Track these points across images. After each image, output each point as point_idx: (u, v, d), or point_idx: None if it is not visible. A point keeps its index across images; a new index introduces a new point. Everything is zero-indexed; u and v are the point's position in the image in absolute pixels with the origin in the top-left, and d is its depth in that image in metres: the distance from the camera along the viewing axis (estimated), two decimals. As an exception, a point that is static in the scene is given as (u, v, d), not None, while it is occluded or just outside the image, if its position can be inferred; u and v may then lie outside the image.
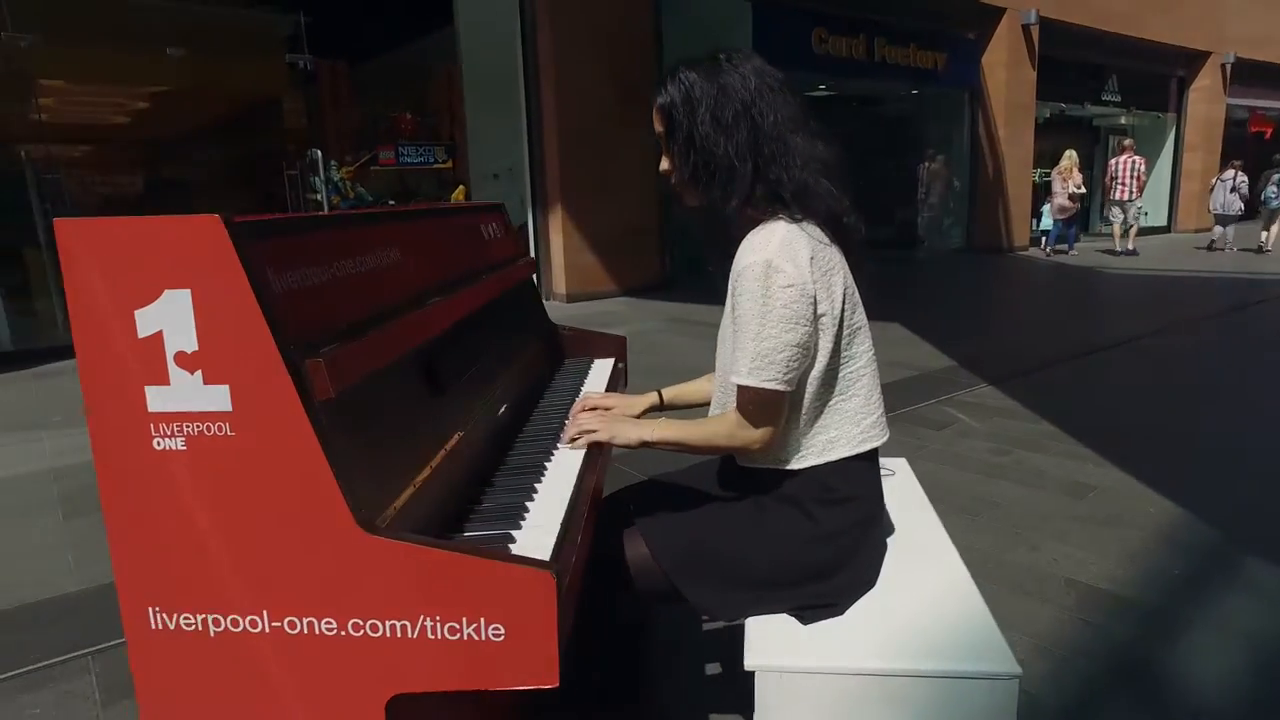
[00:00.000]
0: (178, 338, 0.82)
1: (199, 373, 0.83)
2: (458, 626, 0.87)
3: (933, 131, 13.11)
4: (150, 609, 0.90)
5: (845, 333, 1.32)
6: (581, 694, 1.52)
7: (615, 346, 2.23)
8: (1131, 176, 11.55)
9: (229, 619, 0.90)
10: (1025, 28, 12.08)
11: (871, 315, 1.39)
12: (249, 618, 0.89)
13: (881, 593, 1.40)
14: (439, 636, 0.88)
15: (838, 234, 1.33)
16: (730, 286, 1.30)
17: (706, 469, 1.59)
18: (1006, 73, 12.15)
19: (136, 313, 0.82)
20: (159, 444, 0.85)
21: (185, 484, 0.86)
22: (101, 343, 0.84)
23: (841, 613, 1.34)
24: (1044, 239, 12.60)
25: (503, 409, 1.50)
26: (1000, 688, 1.17)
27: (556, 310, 7.97)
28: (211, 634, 0.90)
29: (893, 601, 1.37)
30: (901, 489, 1.86)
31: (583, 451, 1.39)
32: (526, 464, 1.34)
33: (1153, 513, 2.90)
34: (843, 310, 1.30)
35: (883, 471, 1.96)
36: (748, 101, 1.26)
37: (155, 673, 0.93)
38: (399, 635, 0.88)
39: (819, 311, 1.27)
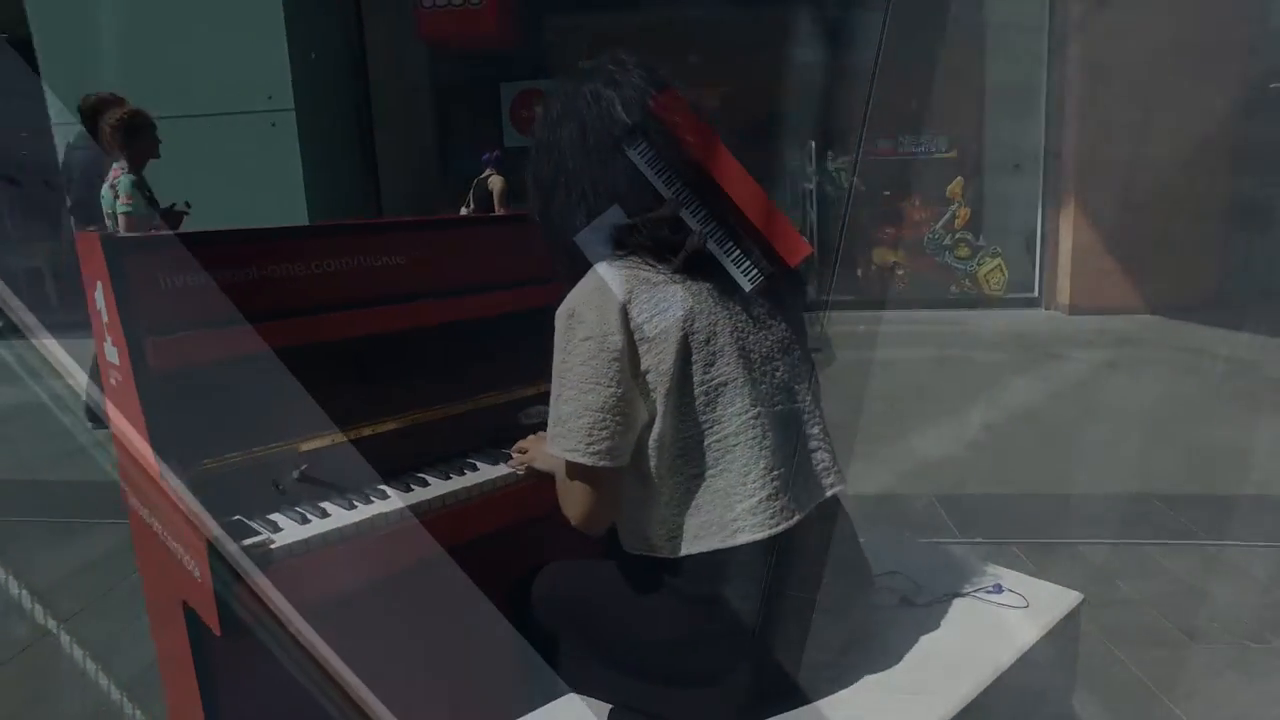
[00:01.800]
0: (104, 312, 1.24)
1: (111, 337, 1.23)
2: (192, 562, 1.11)
3: None
4: (131, 498, 1.36)
5: (698, 393, 1.06)
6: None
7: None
8: None
9: (143, 510, 1.30)
10: None
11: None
12: (145, 510, 1.28)
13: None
14: (185, 565, 1.13)
15: (697, 266, 1.08)
16: None
17: None
18: None
19: (94, 294, 1.26)
20: (111, 381, 1.29)
21: (119, 411, 1.29)
22: (91, 313, 1.30)
23: None
24: None
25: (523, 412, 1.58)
26: None
27: (1051, 323, 6.89)
28: (140, 516, 1.32)
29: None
30: (1006, 626, 1.31)
31: (514, 464, 1.40)
32: (455, 466, 1.42)
33: None
34: (682, 365, 1.05)
35: (1012, 599, 1.41)
36: (555, 119, 1.13)
37: (136, 539, 1.40)
38: (177, 556, 1.16)
39: (641, 368, 1.05)
